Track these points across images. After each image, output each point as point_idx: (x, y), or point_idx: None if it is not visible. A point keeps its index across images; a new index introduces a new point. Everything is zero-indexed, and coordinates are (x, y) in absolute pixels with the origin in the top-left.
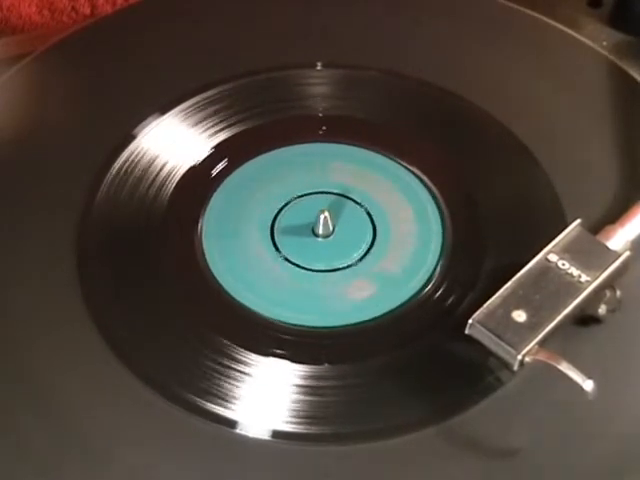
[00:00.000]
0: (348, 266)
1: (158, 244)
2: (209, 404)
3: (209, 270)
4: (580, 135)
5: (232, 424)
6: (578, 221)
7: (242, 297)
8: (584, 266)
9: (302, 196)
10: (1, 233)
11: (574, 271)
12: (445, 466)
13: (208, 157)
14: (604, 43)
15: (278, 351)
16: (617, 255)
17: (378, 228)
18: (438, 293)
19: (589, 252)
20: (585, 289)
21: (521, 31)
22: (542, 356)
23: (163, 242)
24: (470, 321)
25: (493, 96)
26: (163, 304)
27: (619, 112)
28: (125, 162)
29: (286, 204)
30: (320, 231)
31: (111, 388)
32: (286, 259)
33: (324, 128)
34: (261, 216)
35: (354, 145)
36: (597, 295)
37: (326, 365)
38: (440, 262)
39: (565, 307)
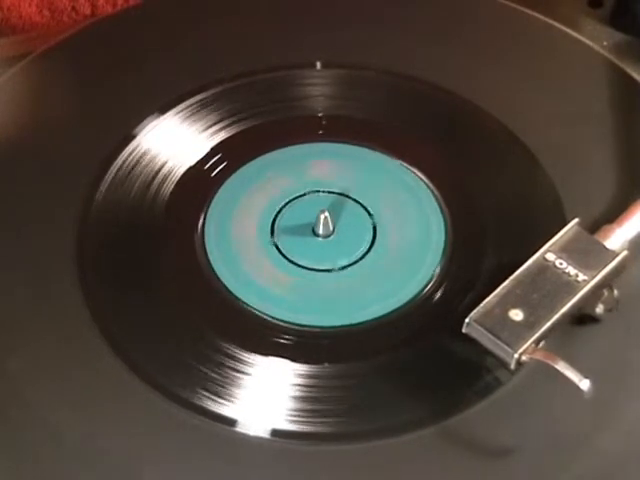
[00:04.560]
0: (348, 266)
1: (158, 244)
2: (209, 403)
3: (209, 270)
4: (580, 135)
5: (232, 423)
6: (576, 220)
7: (242, 297)
8: (582, 265)
9: (302, 196)
10: (1, 233)
11: (571, 270)
12: (445, 466)
13: (208, 157)
14: (604, 43)
15: (278, 350)
16: (615, 254)
17: (378, 228)
18: (438, 293)
19: (587, 251)
20: (582, 288)
21: (521, 31)
22: (539, 355)
23: (163, 242)
24: (467, 320)
25: (493, 96)
26: (163, 304)
27: (619, 112)
28: (125, 162)
29: (286, 204)
30: (320, 231)
31: (111, 388)
32: (286, 259)
33: (324, 125)
34: (261, 216)
35: (354, 145)
36: (594, 294)
37: (326, 365)
38: (440, 262)
39: (562, 306)
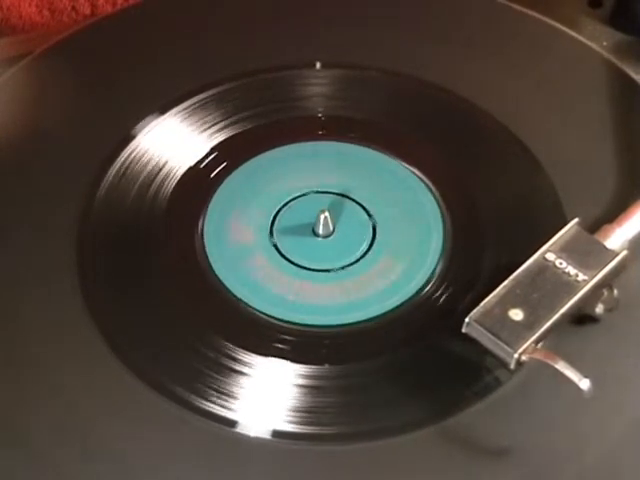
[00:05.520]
0: (348, 266)
1: (158, 244)
2: (209, 404)
3: (209, 270)
4: (580, 135)
5: (232, 424)
6: (576, 220)
7: (242, 297)
8: (581, 265)
9: (302, 196)
10: (1, 233)
11: (571, 270)
12: (445, 466)
13: (208, 157)
14: (604, 43)
15: (278, 351)
16: (614, 254)
17: (378, 228)
18: (438, 293)
19: (587, 251)
20: (582, 288)
21: (521, 31)
22: (539, 355)
23: (163, 242)
24: (467, 319)
25: (493, 96)
26: (163, 304)
27: (619, 112)
28: (125, 162)
29: (286, 204)
30: (320, 231)
31: (111, 388)
32: (286, 259)
33: (324, 125)
34: (261, 216)
35: (354, 145)
36: (594, 294)
37: (326, 365)
38: (440, 262)
39: (562, 306)
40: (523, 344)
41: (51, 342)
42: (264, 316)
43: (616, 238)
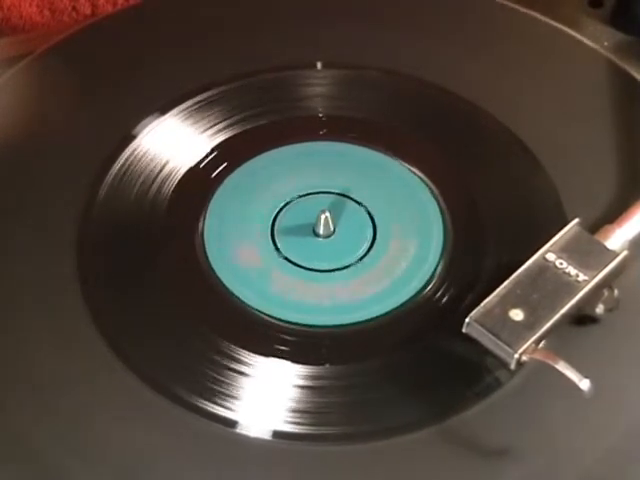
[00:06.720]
0: (349, 266)
1: (158, 244)
2: (209, 404)
3: (209, 270)
4: (580, 135)
5: (232, 424)
6: (576, 220)
7: (243, 297)
8: (582, 265)
9: (302, 196)
10: (1, 233)
11: (572, 270)
12: (445, 466)
13: (208, 157)
14: (605, 43)
15: (278, 351)
16: (615, 255)
17: (378, 228)
18: (438, 293)
19: (587, 251)
20: (583, 288)
21: (521, 31)
22: (539, 355)
23: (163, 242)
24: (467, 320)
25: (493, 96)
26: (163, 304)
27: (619, 112)
28: (125, 162)
29: (286, 204)
30: (321, 231)
31: (111, 388)
32: (287, 259)
33: (324, 125)
34: (262, 216)
35: (354, 145)
36: (595, 294)
37: (327, 365)
38: (440, 262)
39: (562, 306)
40: (523, 344)
41: (51, 342)
42: (264, 316)
43: (616, 238)
